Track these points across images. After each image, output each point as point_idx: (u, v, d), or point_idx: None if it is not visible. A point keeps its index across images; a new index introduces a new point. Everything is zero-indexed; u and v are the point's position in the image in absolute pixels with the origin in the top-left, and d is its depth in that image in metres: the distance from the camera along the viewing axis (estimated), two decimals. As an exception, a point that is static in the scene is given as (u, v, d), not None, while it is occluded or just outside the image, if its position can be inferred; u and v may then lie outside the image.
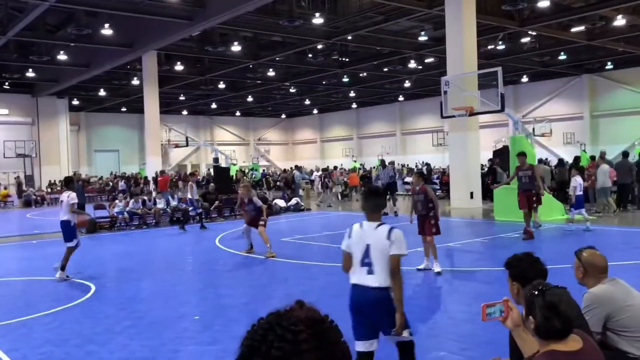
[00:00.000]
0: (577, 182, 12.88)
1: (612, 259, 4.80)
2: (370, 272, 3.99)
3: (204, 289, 8.67)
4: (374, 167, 35.37)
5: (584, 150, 29.51)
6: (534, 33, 24.78)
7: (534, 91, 37.05)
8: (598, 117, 34.50)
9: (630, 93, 32.79)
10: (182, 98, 40.43)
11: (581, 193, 12.91)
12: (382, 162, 19.94)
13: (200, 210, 16.87)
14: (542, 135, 28.77)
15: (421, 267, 9.01)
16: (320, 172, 28.68)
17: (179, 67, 29.26)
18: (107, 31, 21.78)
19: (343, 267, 4.15)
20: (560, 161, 21.03)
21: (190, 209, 17.07)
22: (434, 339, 5.71)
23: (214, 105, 45.23)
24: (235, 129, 52.74)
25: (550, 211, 15.62)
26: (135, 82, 32.06)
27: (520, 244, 11.32)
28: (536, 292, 2.54)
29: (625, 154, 18.08)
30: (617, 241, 11.48)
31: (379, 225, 4.02)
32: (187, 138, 32.01)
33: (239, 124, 52.92)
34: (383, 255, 3.96)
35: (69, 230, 9.40)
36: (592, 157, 20.12)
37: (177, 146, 32.91)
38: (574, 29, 24.25)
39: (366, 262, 3.98)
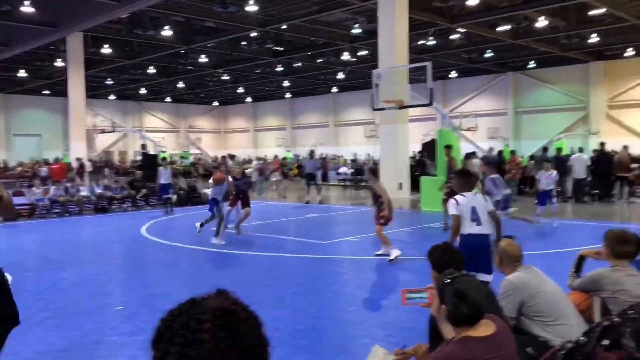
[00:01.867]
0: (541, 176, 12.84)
1: (527, 249, 5.07)
2: (478, 224, 5.63)
3: (127, 278, 8.44)
4: (302, 157, 35.50)
5: (507, 145, 30.84)
6: (463, 30, 25.54)
7: (461, 87, 38.24)
8: (521, 113, 36.06)
9: (550, 91, 34.46)
10: (109, 82, 38.94)
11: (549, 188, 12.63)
12: (311, 152, 20.25)
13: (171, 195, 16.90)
14: (468, 129, 29.68)
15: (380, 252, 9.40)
16: (257, 162, 28.40)
17: (106, 49, 28.13)
18: (27, 9, 20.60)
19: (454, 230, 5.71)
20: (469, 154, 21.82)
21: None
22: (359, 325, 5.82)
23: (143, 91, 43.87)
24: (165, 115, 51.40)
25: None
26: (59, 64, 30.57)
27: (444, 233, 11.69)
28: (446, 281, 2.65)
29: (544, 149, 19.02)
30: (533, 231, 12.05)
31: (475, 193, 5.89)
32: (113, 124, 30.89)
33: (170, 111, 51.61)
34: (484, 211, 5.69)
35: None
36: (513, 152, 21.09)
37: (103, 132, 31.70)
38: (500, 28, 25.16)
39: (474, 218, 5.63)
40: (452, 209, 5.78)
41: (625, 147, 19.37)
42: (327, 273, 8.44)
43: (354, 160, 36.45)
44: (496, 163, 19.57)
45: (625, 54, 30.50)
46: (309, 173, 19.14)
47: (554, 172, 12.87)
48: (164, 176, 16.61)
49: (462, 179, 6.10)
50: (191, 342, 1.07)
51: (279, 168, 25.97)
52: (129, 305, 6.71)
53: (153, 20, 23.55)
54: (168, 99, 49.56)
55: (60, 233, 13.46)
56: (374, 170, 10.29)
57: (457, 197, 5.78)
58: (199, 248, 10.74)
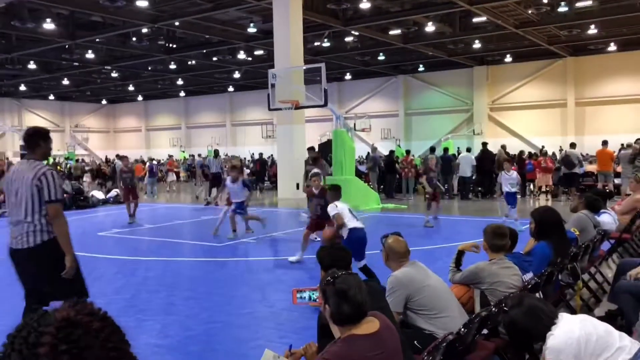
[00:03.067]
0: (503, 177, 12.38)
1: (417, 244, 5.25)
2: (358, 220, 7.22)
3: (4, 287, 7.77)
4: (205, 157, 34.77)
5: (399, 145, 32.03)
6: (356, 33, 26.17)
7: (356, 88, 39.20)
8: (411, 114, 37.59)
9: (437, 94, 36.23)
10: (-17, 77, 35.94)
11: (512, 190, 12.01)
12: (216, 152, 19.89)
13: None
14: (363, 130, 30.52)
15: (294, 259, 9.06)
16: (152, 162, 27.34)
17: (-22, 42, 25.92)
18: None
19: (339, 225, 7.06)
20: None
21: None
22: (253, 328, 5.74)
23: (23, 87, 40.83)
24: (48, 114, 48.17)
25: (367, 201, 16.69)
26: None
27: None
28: (327, 281, 2.66)
29: (432, 149, 19.92)
30: (423, 227, 12.56)
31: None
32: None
33: (53, 109, 48.45)
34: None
35: None
36: (408, 152, 21.92)
37: (-24, 131, 29.15)
38: (391, 32, 26.06)
39: (354, 214, 7.25)
40: (334, 210, 7.17)
41: (502, 147, 20.79)
42: (221, 276, 8.28)
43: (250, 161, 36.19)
44: (390, 162, 20.33)
45: (505, 60, 32.75)
46: (214, 173, 18.51)
47: (514, 173, 12.54)
48: None
49: (335, 191, 7.72)
50: (27, 357, 0.98)
51: (174, 168, 25.28)
52: (0, 320, 6.17)
53: (33, 12, 21.95)
54: (51, 97, 46.52)
55: None
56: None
57: (335, 203, 7.28)
58: (85, 254, 10.13)
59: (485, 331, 3.91)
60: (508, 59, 32.41)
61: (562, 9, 21.07)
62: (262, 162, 27.79)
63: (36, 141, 4.51)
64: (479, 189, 19.56)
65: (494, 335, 3.97)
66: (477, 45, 28.26)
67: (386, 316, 2.89)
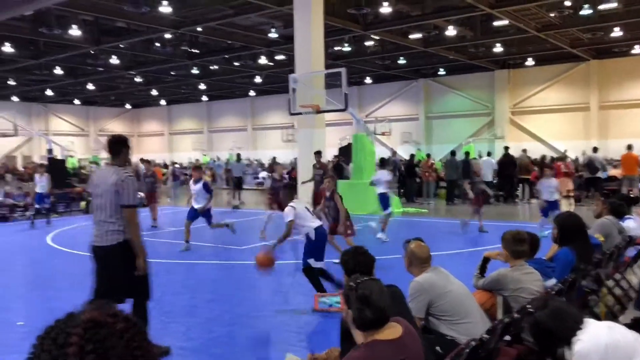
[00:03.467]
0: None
1: (439, 249, 5.25)
2: (315, 220, 6.98)
3: (30, 292, 7.96)
4: (216, 162, 35.12)
5: (419, 149, 31.88)
6: (377, 37, 26.17)
7: (376, 92, 39.14)
8: (432, 118, 37.41)
9: (458, 97, 36.01)
10: (11, 83, 36.63)
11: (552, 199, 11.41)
12: (238, 155, 20.14)
13: (48, 205, 15.33)
14: (383, 134, 30.47)
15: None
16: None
17: (7, 48, 26.45)
18: None
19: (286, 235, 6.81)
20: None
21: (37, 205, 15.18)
22: (274, 331, 5.80)
23: (49, 92, 41.59)
24: (74, 118, 48.98)
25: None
26: (-47, 62, 28.46)
27: (360, 236, 11.89)
28: (350, 286, 2.69)
29: (452, 153, 19.84)
30: (445, 232, 12.53)
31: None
32: (16, 127, 29.06)
33: (79, 113, 49.24)
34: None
35: None
36: (428, 155, 21.85)
37: (4, 135, 29.75)
38: (412, 36, 26.00)
39: (310, 212, 7.01)
40: (289, 216, 6.76)
41: (524, 151, 20.60)
42: (243, 279, 8.36)
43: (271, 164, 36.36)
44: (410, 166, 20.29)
45: (527, 63, 32.45)
46: (237, 177, 18.79)
47: (554, 180, 11.80)
48: (39, 184, 15.03)
49: (289, 191, 7.61)
50: (57, 357, 1.03)
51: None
52: (31, 320, 6.33)
53: (60, 18, 22.40)
54: (76, 101, 47.31)
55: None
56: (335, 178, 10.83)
57: (291, 205, 6.89)
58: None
59: (507, 337, 3.91)
60: (530, 62, 32.09)
61: (586, 11, 20.81)
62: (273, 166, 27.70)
63: (120, 148, 4.94)
64: (500, 193, 19.41)
65: (517, 341, 3.97)
66: (498, 48, 28.05)
67: (408, 321, 2.93)
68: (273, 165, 17.66)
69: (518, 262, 4.39)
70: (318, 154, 13.80)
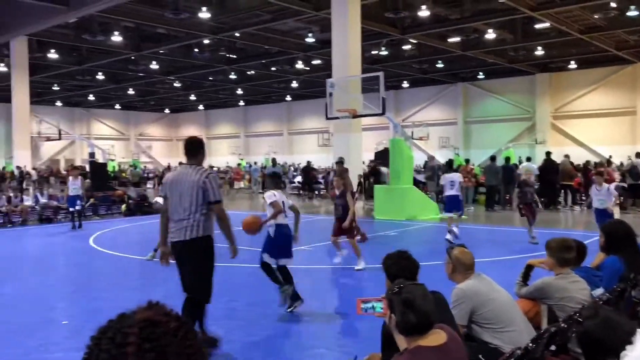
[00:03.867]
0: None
1: (479, 256, 5.17)
2: (286, 216, 6.73)
3: (73, 292, 8.15)
4: (253, 166, 35.42)
5: (457, 154, 31.50)
6: (414, 41, 26.00)
7: (413, 97, 38.89)
8: (470, 123, 36.94)
9: (497, 101, 35.47)
10: (56, 88, 37.79)
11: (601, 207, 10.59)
12: (274, 160, 20.33)
13: (80, 208, 15.43)
14: (420, 138, 30.18)
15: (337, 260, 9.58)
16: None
17: (52, 55, 27.31)
18: (-32, 11, 19.83)
19: (276, 213, 6.43)
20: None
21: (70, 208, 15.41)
22: (313, 336, 5.79)
23: (91, 97, 42.74)
24: (114, 122, 50.21)
25: (425, 211, 16.49)
26: (1, 68, 29.47)
27: (397, 241, 11.82)
28: (394, 290, 2.66)
29: (492, 158, 19.51)
30: (484, 238, 12.32)
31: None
32: (60, 131, 29.93)
33: (119, 118, 50.45)
34: (287, 206, 6.76)
35: None
36: (467, 160, 21.54)
37: (48, 139, 30.67)
38: (450, 39, 25.75)
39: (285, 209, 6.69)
40: (272, 198, 6.60)
41: (566, 156, 20.09)
42: (281, 283, 8.36)
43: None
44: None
45: (569, 67, 31.73)
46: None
47: (608, 186, 10.78)
48: (72, 187, 15.13)
49: (273, 179, 7.57)
50: (116, 356, 1.04)
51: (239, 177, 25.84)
52: (75, 319, 6.47)
53: (102, 25, 23.02)
54: (117, 106, 48.46)
55: (2, 245, 12.90)
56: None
57: (272, 191, 6.81)
58: (153, 260, 10.48)
59: (553, 347, 3.80)
60: (572, 65, 31.37)
61: (632, 13, 20.25)
62: (307, 170, 27.67)
63: (198, 149, 5.21)
64: (542, 199, 18.98)
65: (563, 351, 3.85)
66: (539, 51, 27.53)
67: (452, 328, 2.87)
68: (308, 170, 17.71)
69: (564, 270, 4.26)
70: (340, 163, 13.83)
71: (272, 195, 6.66)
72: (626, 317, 3.64)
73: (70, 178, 15.66)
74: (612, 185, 10.73)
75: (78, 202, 15.14)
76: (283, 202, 6.72)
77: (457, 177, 12.29)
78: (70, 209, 15.37)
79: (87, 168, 28.20)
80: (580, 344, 3.08)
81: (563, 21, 21.99)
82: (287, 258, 6.59)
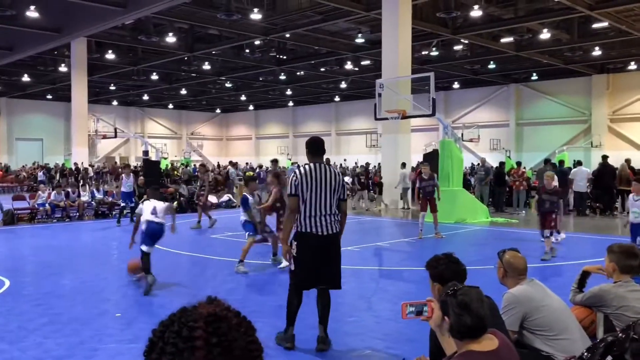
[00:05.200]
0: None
1: (531, 261, 5.04)
2: (153, 217, 8.01)
3: (127, 285, 8.39)
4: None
5: (509, 157, 30.80)
6: (466, 41, 25.60)
7: (464, 98, 38.29)
8: (522, 125, 36.08)
9: (552, 103, 34.50)
10: (112, 88, 39.09)
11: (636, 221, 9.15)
12: (327, 160, 20.48)
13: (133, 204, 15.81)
14: (470, 140, 29.76)
15: None
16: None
17: (110, 55, 28.25)
18: (32, 13, 20.69)
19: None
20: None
21: (122, 203, 16.00)
22: (359, 337, 5.77)
23: (145, 97, 43.99)
24: (167, 122, 51.51)
25: (475, 214, 16.20)
26: (62, 69, 30.68)
27: (446, 244, 11.64)
28: (449, 292, 2.62)
29: (546, 161, 18.96)
30: (535, 244, 11.99)
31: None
32: (115, 129, 30.89)
33: (172, 117, 51.73)
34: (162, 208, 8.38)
35: None
36: (519, 163, 21.02)
37: (105, 137, 31.67)
38: (503, 40, 25.23)
39: (153, 212, 8.10)
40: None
41: (626, 161, 19.31)
42: (328, 283, 8.37)
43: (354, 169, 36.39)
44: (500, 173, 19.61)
45: (629, 67, 30.55)
46: None
47: None
48: (125, 184, 15.59)
49: (153, 191, 8.73)
50: (183, 350, 1.07)
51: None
52: (128, 312, 6.66)
53: (157, 27, 23.65)
54: (170, 106, 49.68)
55: (60, 238, 13.42)
56: (278, 175, 10.36)
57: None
58: (199, 255, 10.71)
59: (609, 358, 3.67)
60: (632, 66, 30.21)
61: (698, 11, 19.34)
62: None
63: (323, 148, 5.65)
64: (597, 205, 18.33)
65: (620, 363, 3.72)
66: (596, 52, 26.64)
67: (503, 334, 2.81)
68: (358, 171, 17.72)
69: (623, 278, 4.11)
70: (424, 164, 13.75)
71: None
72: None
73: (123, 176, 16.20)
74: None
75: (132, 198, 15.62)
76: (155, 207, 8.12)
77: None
78: (122, 204, 15.99)
79: (141, 165, 29.04)
80: None
81: (623, 20, 21.20)
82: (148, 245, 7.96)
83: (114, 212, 17.08)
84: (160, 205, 8.22)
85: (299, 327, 5.45)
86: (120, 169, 15.27)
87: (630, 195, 9.60)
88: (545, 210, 10.08)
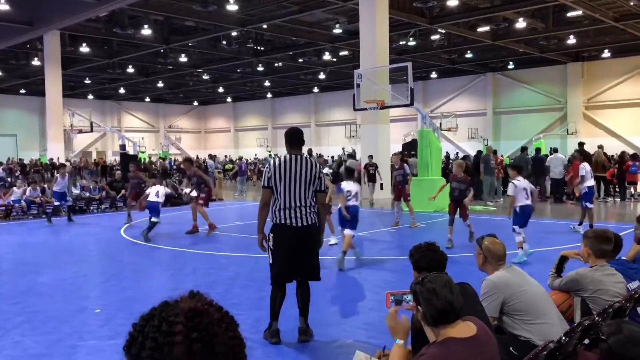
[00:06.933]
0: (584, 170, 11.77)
1: (510, 248, 5.10)
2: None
3: (106, 281, 8.30)
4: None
5: (487, 145, 31.09)
6: (443, 31, 25.69)
7: (441, 87, 38.48)
8: (500, 113, 36.40)
9: (528, 92, 34.85)
10: (87, 81, 38.46)
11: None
12: (310, 151, 20.50)
13: (70, 203, 15.27)
14: (449, 129, 29.99)
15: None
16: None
17: (84, 48, 27.76)
18: (3, 6, 20.19)
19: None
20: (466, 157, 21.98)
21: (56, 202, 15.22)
22: (341, 327, 5.79)
23: (122, 90, 43.39)
24: (144, 115, 50.90)
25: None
26: (36, 62, 30.08)
27: (426, 233, 11.74)
28: (417, 281, 2.66)
29: (523, 149, 19.19)
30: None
31: None
32: (91, 123, 30.46)
33: (149, 110, 51.12)
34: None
35: None
36: (495, 152, 21.23)
37: (80, 132, 31.22)
38: (480, 29, 25.36)
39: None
40: None
41: (600, 147, 19.64)
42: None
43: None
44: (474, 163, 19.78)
45: (602, 55, 30.97)
46: None
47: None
48: (60, 184, 14.63)
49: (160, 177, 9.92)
50: (163, 345, 1.06)
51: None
52: (107, 308, 6.59)
53: (132, 19, 23.29)
54: (147, 99, 49.09)
55: (36, 235, 13.22)
56: (190, 160, 13.34)
57: None
58: (178, 249, 10.63)
59: (586, 341, 3.72)
60: (606, 54, 30.63)
61: (669, -1, 19.65)
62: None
63: (302, 139, 5.59)
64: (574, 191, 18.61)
65: (596, 345, 3.78)
66: (571, 40, 26.93)
67: (482, 320, 2.84)
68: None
69: (599, 262, 4.17)
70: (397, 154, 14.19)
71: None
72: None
73: (58, 176, 14.89)
74: None
75: (66, 198, 14.88)
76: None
77: (588, 168, 11.98)
78: (56, 203, 15.18)
79: (118, 160, 28.71)
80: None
81: (596, 8, 21.45)
82: None
83: (47, 211, 15.68)
84: (162, 190, 11.77)
85: (281, 317, 5.44)
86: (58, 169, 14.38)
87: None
88: (455, 198, 10.30)
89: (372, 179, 18.21)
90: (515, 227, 9.04)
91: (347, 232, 8.95)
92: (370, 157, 18.47)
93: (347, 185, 9.35)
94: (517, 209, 9.10)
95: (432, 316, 2.57)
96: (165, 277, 8.44)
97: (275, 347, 5.17)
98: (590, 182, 11.76)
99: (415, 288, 2.67)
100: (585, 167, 11.82)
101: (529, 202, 9.11)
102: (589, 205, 11.60)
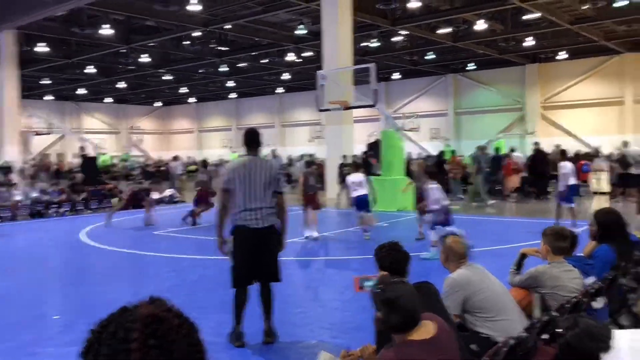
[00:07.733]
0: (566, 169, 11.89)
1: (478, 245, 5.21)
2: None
3: (65, 286, 8.12)
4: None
5: (448, 145, 31.57)
6: (405, 32, 25.96)
7: (404, 88, 38.87)
8: (460, 114, 36.99)
9: (488, 92, 35.51)
10: (46, 82, 37.43)
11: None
12: (274, 152, 20.40)
13: None
14: (411, 130, 30.19)
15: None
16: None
17: (41, 48, 27.02)
18: (-46, 4, 19.57)
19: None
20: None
21: None
22: (306, 327, 5.80)
23: (82, 91, 42.36)
24: (105, 116, 49.85)
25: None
26: (-10, 62, 29.14)
27: (390, 232, 11.85)
28: (376, 290, 2.67)
29: (481, 149, 19.54)
30: (477, 229, 12.36)
31: None
32: (50, 125, 29.71)
33: (110, 112, 50.08)
34: None
35: None
36: (453, 152, 21.62)
37: (37, 134, 30.40)
38: (440, 31, 25.73)
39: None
40: None
41: (557, 146, 20.20)
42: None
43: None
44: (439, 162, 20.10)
45: (558, 57, 31.81)
46: None
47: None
48: None
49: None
50: (119, 351, 1.04)
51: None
52: (67, 314, 6.44)
53: (91, 18, 22.78)
54: (108, 100, 48.08)
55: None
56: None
57: None
58: (141, 253, 10.46)
59: (545, 336, 3.82)
60: (562, 56, 31.46)
61: (620, 3, 20.30)
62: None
63: (260, 141, 5.43)
64: (532, 189, 19.08)
65: (555, 340, 3.88)
66: (529, 42, 27.57)
67: (443, 318, 2.87)
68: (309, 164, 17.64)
69: (557, 259, 4.29)
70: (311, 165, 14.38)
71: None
72: (602, 323, 3.66)
73: None
74: None
75: None
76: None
77: (570, 166, 12.09)
78: None
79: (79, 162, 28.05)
80: (561, 354, 3.09)
81: (553, 11, 22.04)
82: None
83: (50, 211, 16.23)
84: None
85: (245, 319, 5.41)
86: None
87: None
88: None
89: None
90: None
91: (364, 214, 10.84)
92: (344, 157, 18.52)
93: (352, 177, 10.76)
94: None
95: (392, 326, 2.58)
96: (127, 281, 8.30)
97: (239, 350, 5.14)
98: (572, 180, 11.83)
99: (375, 297, 2.67)
100: (566, 166, 11.94)
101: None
102: (569, 204, 11.70)
